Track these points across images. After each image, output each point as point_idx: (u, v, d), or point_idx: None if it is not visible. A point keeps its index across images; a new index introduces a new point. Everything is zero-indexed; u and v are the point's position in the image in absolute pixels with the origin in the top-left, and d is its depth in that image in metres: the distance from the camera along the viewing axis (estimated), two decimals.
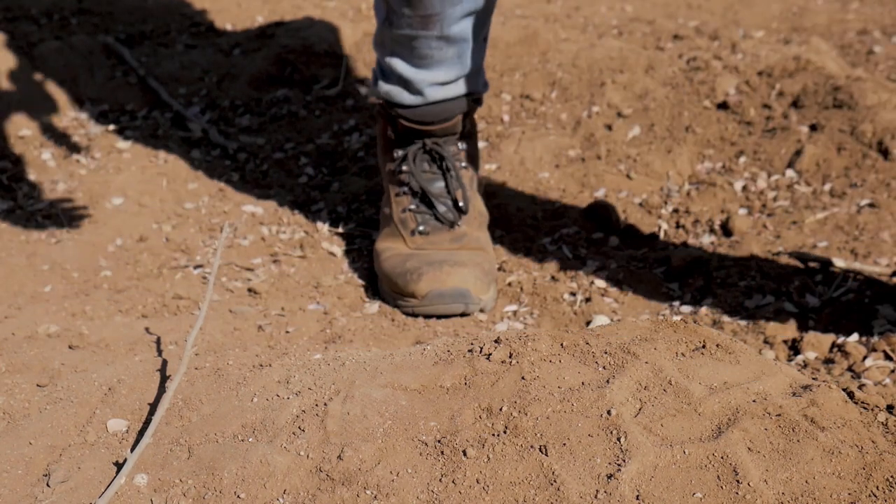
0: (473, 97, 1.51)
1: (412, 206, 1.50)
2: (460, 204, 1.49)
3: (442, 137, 1.51)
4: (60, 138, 1.98)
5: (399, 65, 1.45)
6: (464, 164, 1.53)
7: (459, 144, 1.53)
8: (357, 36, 2.23)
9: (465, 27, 1.41)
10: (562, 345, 0.94)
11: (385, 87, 1.48)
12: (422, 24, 1.39)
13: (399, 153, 1.53)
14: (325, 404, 0.90)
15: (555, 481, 0.79)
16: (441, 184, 1.51)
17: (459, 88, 1.48)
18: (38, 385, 1.03)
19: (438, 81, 1.46)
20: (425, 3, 1.37)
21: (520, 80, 2.02)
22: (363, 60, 2.18)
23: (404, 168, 1.51)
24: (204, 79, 2.18)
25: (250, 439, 0.87)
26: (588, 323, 1.37)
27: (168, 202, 1.75)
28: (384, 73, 1.49)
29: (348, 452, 0.84)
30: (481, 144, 1.83)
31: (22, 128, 1.98)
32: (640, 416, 0.85)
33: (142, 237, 1.62)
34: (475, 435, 0.84)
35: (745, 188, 1.64)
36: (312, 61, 2.17)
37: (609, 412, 0.85)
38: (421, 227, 1.48)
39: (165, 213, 1.71)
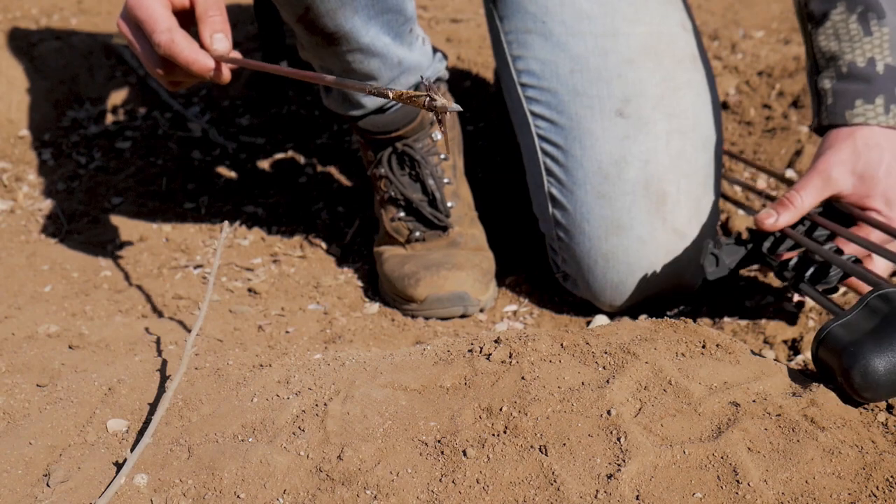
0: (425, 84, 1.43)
1: (400, 215, 1.45)
2: (447, 204, 1.46)
3: (411, 137, 1.43)
4: (60, 138, 1.98)
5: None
6: (443, 155, 1.46)
7: (434, 135, 1.44)
8: None
9: (375, 34, 1.29)
10: (562, 345, 0.94)
11: (327, 101, 1.44)
12: (328, 42, 1.29)
13: (373, 156, 1.46)
14: (325, 404, 0.90)
15: (555, 481, 0.79)
16: (421, 188, 1.45)
17: (400, 88, 1.37)
18: (38, 385, 1.03)
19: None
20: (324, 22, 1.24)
21: None
22: None
23: (381, 172, 1.45)
24: None
25: (250, 439, 0.87)
26: (588, 323, 1.37)
27: (168, 202, 1.75)
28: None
29: (348, 452, 0.84)
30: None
31: (22, 128, 1.98)
32: (640, 416, 0.85)
33: (142, 237, 1.61)
34: (475, 435, 0.84)
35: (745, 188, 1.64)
36: None
37: (609, 412, 0.85)
38: (416, 234, 1.45)
39: (165, 213, 1.70)
